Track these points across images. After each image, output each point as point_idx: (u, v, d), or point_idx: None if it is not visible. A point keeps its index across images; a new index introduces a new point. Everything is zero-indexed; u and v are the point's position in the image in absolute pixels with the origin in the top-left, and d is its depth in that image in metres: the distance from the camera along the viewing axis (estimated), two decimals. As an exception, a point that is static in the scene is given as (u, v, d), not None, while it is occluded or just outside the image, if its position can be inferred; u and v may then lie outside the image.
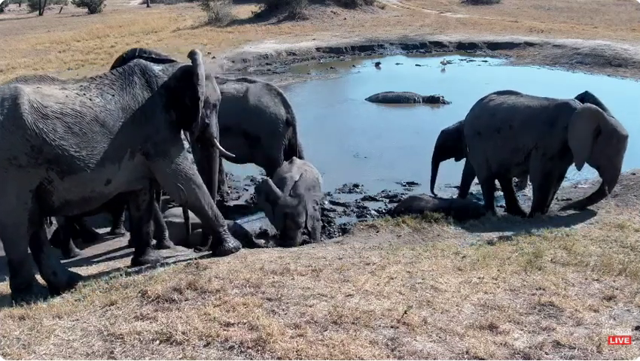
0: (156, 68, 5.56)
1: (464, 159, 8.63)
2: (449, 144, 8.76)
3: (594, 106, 7.08)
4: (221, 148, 6.29)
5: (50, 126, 4.82)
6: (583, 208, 7.40)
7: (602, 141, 6.96)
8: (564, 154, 7.19)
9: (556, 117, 7.17)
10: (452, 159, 8.94)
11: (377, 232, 7.08)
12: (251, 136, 8.24)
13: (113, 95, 5.23)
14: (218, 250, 5.78)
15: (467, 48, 21.86)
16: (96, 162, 5.04)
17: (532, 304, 4.16)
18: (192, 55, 5.63)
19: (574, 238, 5.95)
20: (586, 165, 7.25)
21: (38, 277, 5.31)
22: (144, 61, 5.58)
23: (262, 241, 7.28)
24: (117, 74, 5.44)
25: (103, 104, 5.13)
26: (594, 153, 7.02)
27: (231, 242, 5.85)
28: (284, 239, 6.83)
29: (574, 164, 7.29)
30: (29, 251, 5.20)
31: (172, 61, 5.82)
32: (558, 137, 7.11)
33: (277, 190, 6.90)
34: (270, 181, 7.04)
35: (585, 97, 7.36)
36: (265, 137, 8.22)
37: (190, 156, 6.53)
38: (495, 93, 8.08)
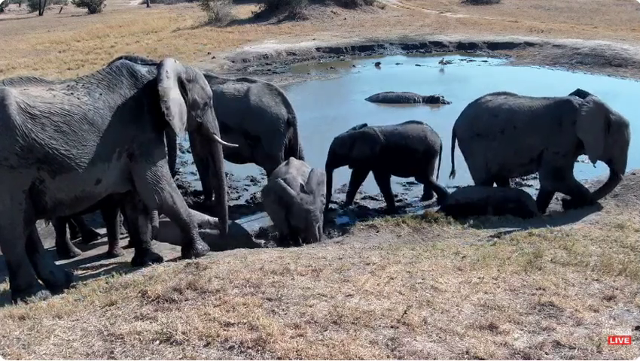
0: (143, 69, 5.60)
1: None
2: (341, 152, 8.54)
3: (597, 98, 7.26)
4: (222, 141, 6.37)
5: (38, 126, 4.84)
6: (596, 199, 7.56)
7: (614, 132, 7.17)
8: (576, 150, 7.36)
9: (560, 115, 7.26)
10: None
11: (377, 232, 7.09)
12: (252, 136, 8.24)
13: (100, 94, 5.25)
14: (189, 252, 5.89)
15: (467, 48, 21.84)
16: (86, 161, 5.06)
17: (532, 304, 4.16)
18: (158, 67, 5.61)
19: (574, 238, 5.95)
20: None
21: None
22: (130, 62, 5.62)
23: (262, 241, 7.28)
24: (104, 74, 5.46)
25: (91, 103, 5.15)
26: (607, 145, 7.19)
27: (201, 245, 6.02)
28: (307, 236, 6.81)
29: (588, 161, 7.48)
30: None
31: (157, 64, 5.84)
32: (568, 134, 7.20)
33: (291, 190, 6.78)
34: (282, 182, 6.87)
35: (579, 94, 7.47)
36: (266, 137, 8.22)
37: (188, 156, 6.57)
38: (489, 95, 8.10)
